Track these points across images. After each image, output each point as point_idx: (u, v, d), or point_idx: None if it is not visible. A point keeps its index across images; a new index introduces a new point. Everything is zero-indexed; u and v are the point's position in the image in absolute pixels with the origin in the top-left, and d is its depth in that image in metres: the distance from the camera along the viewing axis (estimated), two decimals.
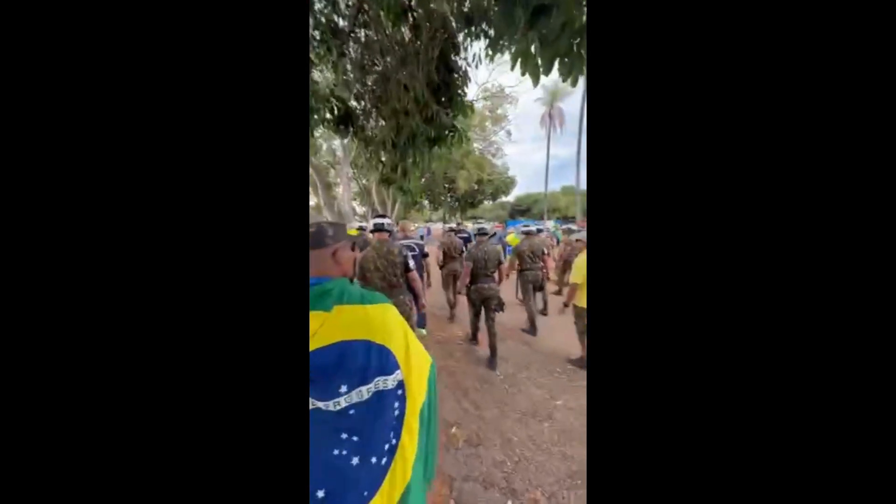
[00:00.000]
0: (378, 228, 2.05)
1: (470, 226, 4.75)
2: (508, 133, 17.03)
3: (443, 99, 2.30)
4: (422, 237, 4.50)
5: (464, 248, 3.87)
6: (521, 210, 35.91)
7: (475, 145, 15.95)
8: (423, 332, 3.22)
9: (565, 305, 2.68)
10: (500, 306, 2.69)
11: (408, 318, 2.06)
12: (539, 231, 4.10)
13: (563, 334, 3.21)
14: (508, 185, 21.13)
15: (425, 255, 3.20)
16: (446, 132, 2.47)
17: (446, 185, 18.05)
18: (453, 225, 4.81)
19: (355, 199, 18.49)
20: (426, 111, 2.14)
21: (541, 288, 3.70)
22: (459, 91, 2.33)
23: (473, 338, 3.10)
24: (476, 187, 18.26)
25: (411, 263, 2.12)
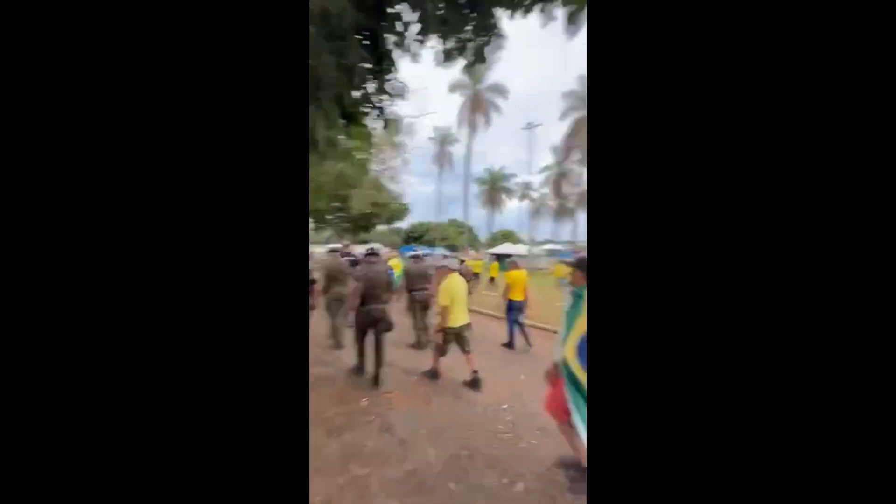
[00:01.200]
0: None
1: (357, 249, 4.75)
2: (406, 161, 17.05)
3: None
4: None
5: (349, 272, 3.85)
6: (415, 237, 36.81)
7: (372, 167, 15.05)
8: None
9: (438, 330, 2.67)
10: (388, 327, 2.68)
11: None
12: (426, 256, 4.33)
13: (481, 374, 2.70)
14: (403, 211, 20.96)
15: (313, 281, 3.25)
16: (355, 107, 1.64)
17: (336, 204, 16.13)
18: (338, 245, 4.71)
19: None
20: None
21: (428, 307, 3.75)
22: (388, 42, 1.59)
23: (360, 368, 2.81)
24: (370, 210, 17.12)
25: None
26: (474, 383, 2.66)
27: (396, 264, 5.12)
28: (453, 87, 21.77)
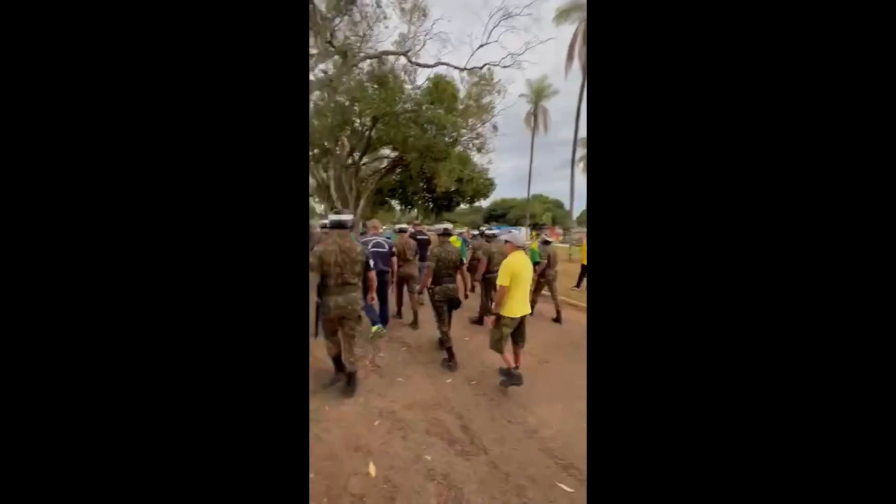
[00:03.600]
0: (336, 225, 2.21)
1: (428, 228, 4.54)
2: (495, 127, 14.10)
3: None
4: (388, 237, 4.16)
5: (418, 251, 4.03)
6: (497, 216, 34.96)
7: (461, 132, 13.03)
8: (377, 328, 3.28)
9: (494, 318, 2.46)
10: (458, 304, 2.96)
11: (359, 317, 2.27)
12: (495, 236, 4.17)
13: None
14: (488, 187, 19.22)
15: (393, 254, 3.53)
16: None
17: (423, 184, 15.75)
18: (404, 226, 4.40)
19: (312, 196, 15.61)
20: None
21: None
22: None
23: (449, 356, 2.82)
24: (455, 187, 15.96)
25: (371, 263, 2.37)
26: (515, 378, 2.42)
27: (455, 241, 5.10)
28: (562, 15, 13.48)
